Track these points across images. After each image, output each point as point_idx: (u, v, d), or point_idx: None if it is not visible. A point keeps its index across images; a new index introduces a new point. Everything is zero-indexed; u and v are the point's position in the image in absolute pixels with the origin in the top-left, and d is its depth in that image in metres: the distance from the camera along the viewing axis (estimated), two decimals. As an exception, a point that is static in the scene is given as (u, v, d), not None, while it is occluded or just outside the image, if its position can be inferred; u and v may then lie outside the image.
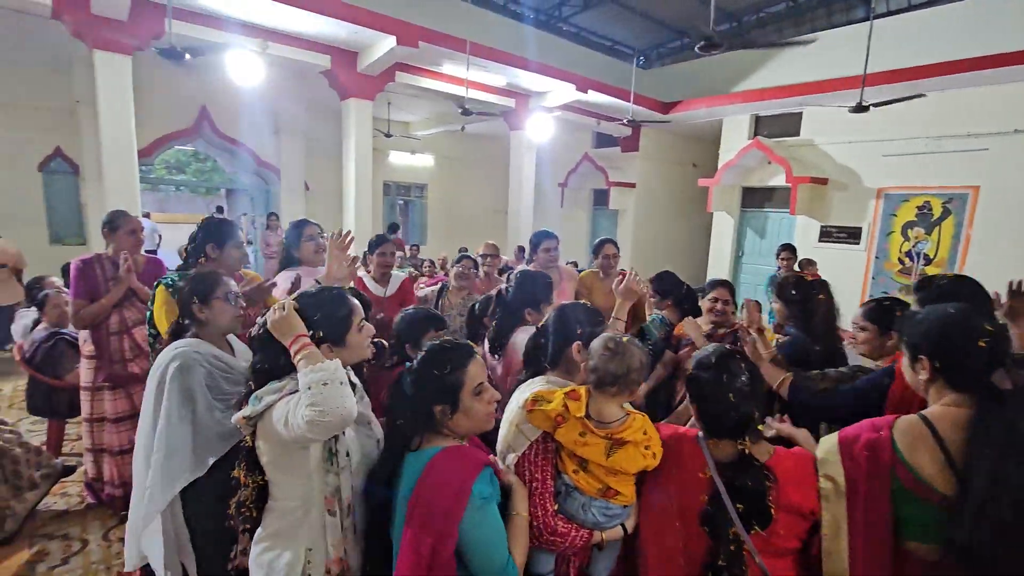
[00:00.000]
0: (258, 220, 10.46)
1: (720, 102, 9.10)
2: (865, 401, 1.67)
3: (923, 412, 1.22)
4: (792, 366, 2.13)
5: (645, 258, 10.55)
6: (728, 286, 2.69)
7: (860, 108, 5.64)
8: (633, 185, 10.86)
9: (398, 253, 4.04)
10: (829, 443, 1.30)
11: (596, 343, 1.43)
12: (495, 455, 1.45)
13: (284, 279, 2.46)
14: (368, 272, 3.15)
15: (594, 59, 10.75)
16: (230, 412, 1.43)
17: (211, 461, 1.67)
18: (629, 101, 8.38)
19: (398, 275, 3.20)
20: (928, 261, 7.49)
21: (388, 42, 6.32)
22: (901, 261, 7.77)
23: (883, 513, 1.18)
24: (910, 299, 1.87)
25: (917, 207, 7.57)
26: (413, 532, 1.16)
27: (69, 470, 2.98)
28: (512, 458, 1.40)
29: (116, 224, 2.78)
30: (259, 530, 1.36)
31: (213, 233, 2.29)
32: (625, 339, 1.42)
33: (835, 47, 7.98)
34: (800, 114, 8.65)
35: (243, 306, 1.88)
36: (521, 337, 2.11)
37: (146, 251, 3.73)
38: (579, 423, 1.34)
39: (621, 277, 2.18)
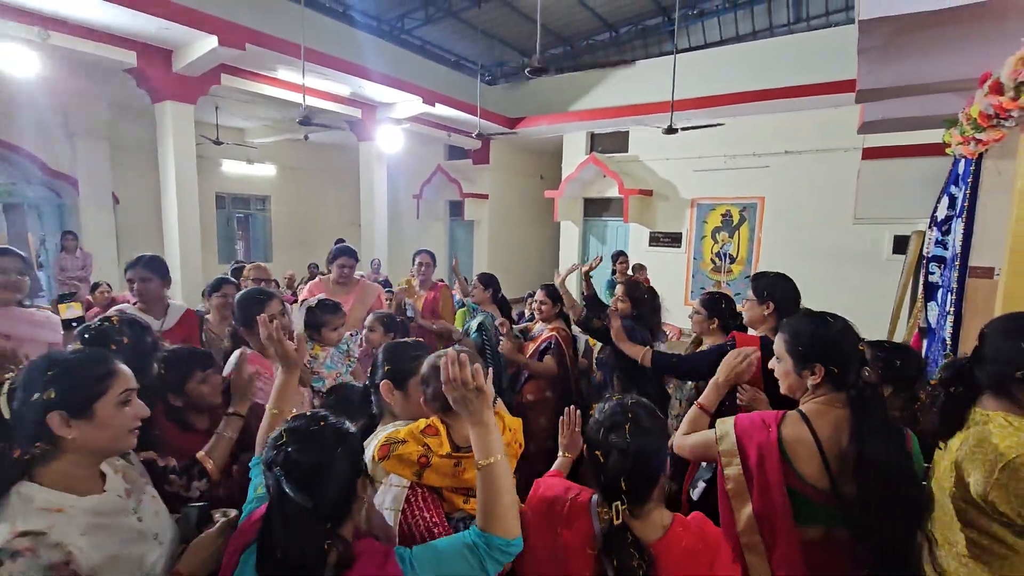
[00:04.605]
0: (51, 240, 8.71)
1: (560, 119, 9.80)
2: (712, 365, 1.96)
3: (802, 409, 1.33)
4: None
5: (501, 266, 10.87)
6: (547, 289, 3.03)
7: (670, 130, 6.46)
8: (486, 196, 11.17)
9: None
10: (727, 443, 1.36)
11: (425, 368, 1.31)
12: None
13: None
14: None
15: (441, 73, 10.84)
16: None
17: None
18: (476, 115, 8.61)
19: (177, 306, 2.59)
20: (733, 260, 8.82)
21: (209, 42, 5.70)
22: (713, 261, 9.04)
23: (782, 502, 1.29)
24: (728, 291, 2.29)
25: (721, 215, 8.89)
26: None
27: None
28: (392, 516, 1.22)
29: None
30: None
31: None
32: (451, 350, 1.33)
33: (651, 75, 9.07)
34: (627, 133, 9.66)
35: None
36: None
37: None
38: (449, 459, 1.23)
39: None
